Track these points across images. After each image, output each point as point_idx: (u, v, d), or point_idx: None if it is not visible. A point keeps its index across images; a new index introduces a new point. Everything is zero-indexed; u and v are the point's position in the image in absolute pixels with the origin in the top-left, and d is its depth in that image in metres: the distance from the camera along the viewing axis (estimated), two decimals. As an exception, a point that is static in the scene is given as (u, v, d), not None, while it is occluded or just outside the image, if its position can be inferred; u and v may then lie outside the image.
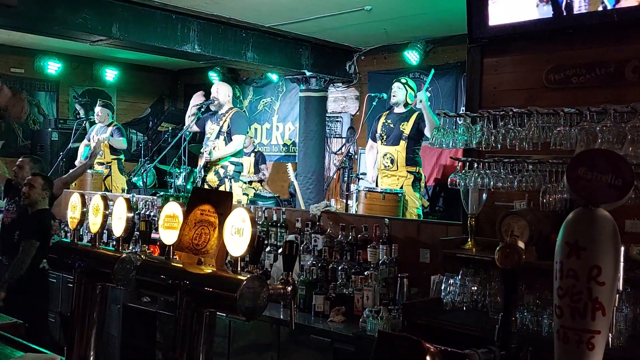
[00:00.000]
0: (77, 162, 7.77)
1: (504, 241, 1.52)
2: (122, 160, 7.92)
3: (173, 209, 1.69)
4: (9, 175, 5.94)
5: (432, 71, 6.22)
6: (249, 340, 4.16)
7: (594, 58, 3.35)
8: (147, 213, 5.52)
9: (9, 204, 5.31)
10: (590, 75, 3.35)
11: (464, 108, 5.55)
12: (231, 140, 6.04)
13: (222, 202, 1.60)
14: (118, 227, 1.87)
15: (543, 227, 3.13)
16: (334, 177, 7.73)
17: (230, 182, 6.01)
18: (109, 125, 7.81)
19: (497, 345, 1.42)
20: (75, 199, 2.01)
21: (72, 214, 2.02)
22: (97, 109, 7.85)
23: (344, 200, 5.85)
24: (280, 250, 4.54)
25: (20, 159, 5.52)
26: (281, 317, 3.99)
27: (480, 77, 3.78)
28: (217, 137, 6.09)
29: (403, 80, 5.77)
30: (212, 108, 6.27)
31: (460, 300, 3.47)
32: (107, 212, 1.95)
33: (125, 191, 7.63)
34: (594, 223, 1.29)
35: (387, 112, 5.85)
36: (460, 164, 3.65)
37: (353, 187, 5.99)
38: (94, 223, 1.95)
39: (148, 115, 10.81)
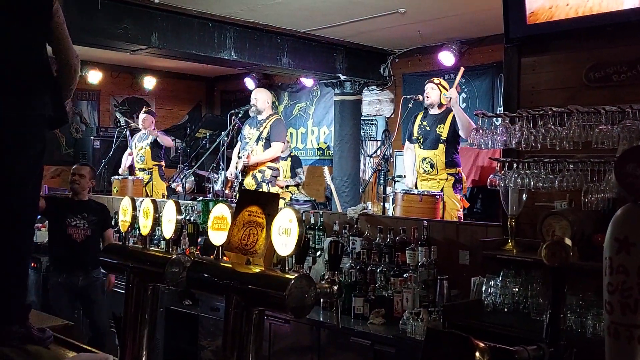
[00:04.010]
0: (120, 170, 7.98)
1: (549, 240, 1.53)
2: (163, 167, 8.08)
3: (222, 211, 1.74)
4: None
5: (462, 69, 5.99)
6: (289, 343, 4.20)
7: (636, 55, 3.30)
8: (188, 218, 5.62)
9: (75, 220, 5.00)
10: (631, 73, 3.30)
11: (500, 108, 5.51)
12: (270, 146, 6.13)
13: (269, 203, 1.65)
14: (168, 230, 1.94)
15: (585, 227, 3.10)
16: (371, 180, 7.74)
17: (268, 186, 6.09)
18: (150, 133, 7.97)
19: (546, 343, 1.42)
20: (126, 203, 2.08)
21: (123, 217, 2.09)
22: (142, 115, 8.00)
23: (381, 203, 5.86)
24: (318, 254, 4.58)
25: (75, 167, 5.28)
26: (321, 319, 4.02)
27: (518, 77, 3.76)
28: (257, 142, 6.18)
29: (436, 81, 5.69)
30: (251, 114, 6.38)
31: (502, 302, 3.46)
32: (157, 215, 2.01)
33: (166, 197, 7.77)
34: (644, 219, 1.29)
35: (422, 113, 5.81)
36: (499, 164, 3.64)
37: (389, 189, 6.00)
38: (145, 226, 2.02)
39: (186, 122, 11.01)
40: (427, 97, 5.64)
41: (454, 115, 5.55)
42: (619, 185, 1.32)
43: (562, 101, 3.45)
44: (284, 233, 1.57)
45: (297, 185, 8.12)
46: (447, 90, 5.67)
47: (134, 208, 2.07)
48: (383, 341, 3.71)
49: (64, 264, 5.01)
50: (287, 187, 7.68)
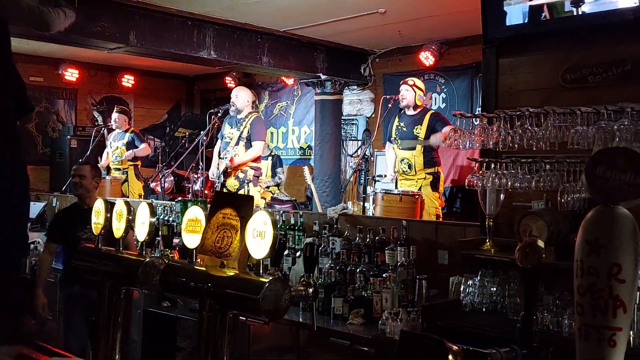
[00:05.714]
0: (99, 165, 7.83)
1: (524, 240, 1.53)
2: (139, 167, 8.00)
3: (196, 213, 1.72)
4: None
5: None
6: (268, 344, 4.18)
7: (611, 57, 3.33)
8: (166, 218, 5.56)
9: (86, 232, 4.16)
10: (607, 74, 3.33)
11: (479, 109, 5.55)
12: (251, 146, 6.11)
13: (243, 206, 1.63)
14: (141, 232, 1.91)
15: (561, 227, 3.12)
16: (351, 179, 7.75)
17: (249, 186, 6.07)
18: (126, 132, 7.90)
19: (519, 345, 1.43)
20: (99, 205, 2.05)
21: (96, 219, 2.06)
22: (114, 115, 7.94)
23: (361, 203, 5.87)
24: (298, 254, 4.56)
25: (74, 167, 4.68)
26: (300, 320, 4.01)
27: (496, 78, 3.78)
28: (237, 143, 6.15)
29: (410, 82, 5.73)
30: (231, 113, 6.34)
31: (480, 302, 3.47)
32: (130, 217, 1.98)
33: (142, 197, 7.70)
34: (614, 221, 1.30)
35: (399, 114, 5.84)
36: (477, 164, 3.65)
37: (370, 189, 6.01)
38: (118, 228, 1.99)
39: (165, 121, 10.92)
40: (403, 98, 5.67)
41: (431, 115, 5.60)
42: (589, 187, 1.33)
43: (539, 102, 3.48)
44: (259, 236, 1.56)
45: (277, 185, 8.10)
46: (422, 91, 5.73)
47: (107, 210, 2.04)
48: (362, 341, 3.71)
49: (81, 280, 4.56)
50: (267, 187, 7.65)
